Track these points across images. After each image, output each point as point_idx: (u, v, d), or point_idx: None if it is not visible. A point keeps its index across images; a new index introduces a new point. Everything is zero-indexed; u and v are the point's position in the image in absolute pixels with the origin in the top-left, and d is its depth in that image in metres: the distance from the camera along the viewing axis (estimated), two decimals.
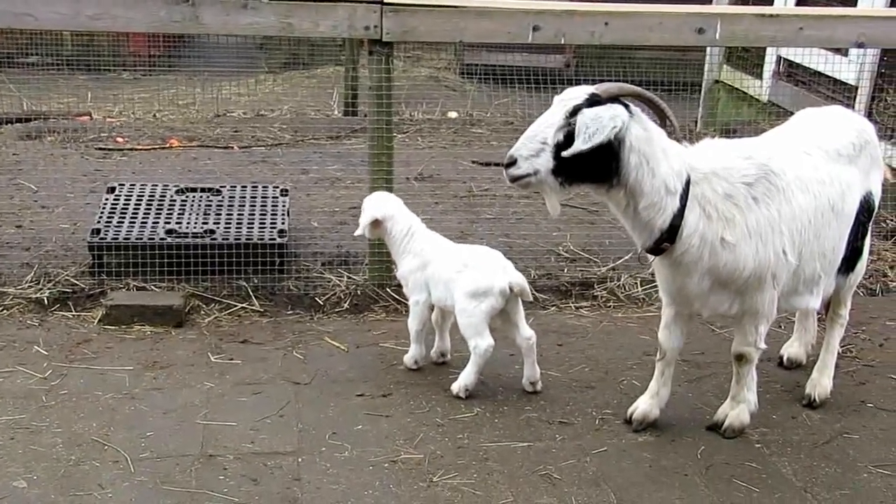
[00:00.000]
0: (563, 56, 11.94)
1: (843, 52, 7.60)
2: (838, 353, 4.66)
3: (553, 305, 5.61)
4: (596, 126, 3.54)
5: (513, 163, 3.75)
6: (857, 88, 7.52)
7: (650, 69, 11.46)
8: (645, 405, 4.25)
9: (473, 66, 11.56)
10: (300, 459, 3.91)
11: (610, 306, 5.63)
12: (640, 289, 5.78)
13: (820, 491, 3.83)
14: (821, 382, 4.55)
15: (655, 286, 5.74)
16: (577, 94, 3.65)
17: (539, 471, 3.89)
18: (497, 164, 7.90)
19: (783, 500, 3.76)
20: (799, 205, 3.94)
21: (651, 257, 4.05)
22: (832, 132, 4.28)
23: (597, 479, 3.85)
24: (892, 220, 6.71)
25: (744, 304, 3.96)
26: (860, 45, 6.33)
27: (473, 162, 8.04)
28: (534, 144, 3.68)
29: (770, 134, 4.40)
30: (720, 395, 4.43)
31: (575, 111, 3.59)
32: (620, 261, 6.04)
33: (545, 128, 3.65)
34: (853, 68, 7.55)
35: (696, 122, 9.77)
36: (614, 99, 3.64)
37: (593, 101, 3.60)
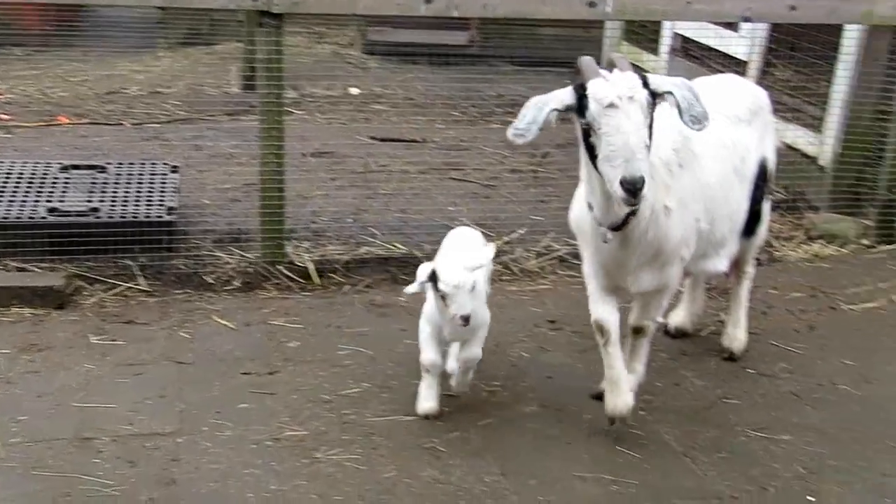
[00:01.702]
0: (467, 33, 11.89)
1: (734, 27, 7.74)
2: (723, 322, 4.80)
3: None
4: (690, 99, 3.47)
5: (642, 185, 3.26)
6: (747, 63, 7.66)
7: (553, 46, 11.60)
8: (620, 398, 3.96)
9: (377, 42, 11.46)
10: (180, 440, 3.83)
11: (504, 280, 5.63)
12: (533, 262, 5.80)
13: (699, 455, 3.91)
14: (737, 336, 4.71)
15: (550, 260, 5.83)
16: (629, 83, 3.30)
17: (424, 444, 3.88)
18: (396, 140, 7.90)
19: (663, 465, 3.83)
20: (711, 169, 4.00)
21: (611, 235, 3.71)
22: (729, 98, 4.35)
23: (481, 451, 3.86)
24: (779, 192, 6.87)
25: (662, 278, 3.93)
26: (747, 20, 6.44)
27: (372, 138, 7.98)
28: (644, 154, 3.30)
29: None
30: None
31: (653, 95, 3.37)
32: (515, 234, 6.05)
33: (639, 132, 3.28)
34: (744, 43, 7.69)
35: None
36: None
37: (645, 82, 3.39)
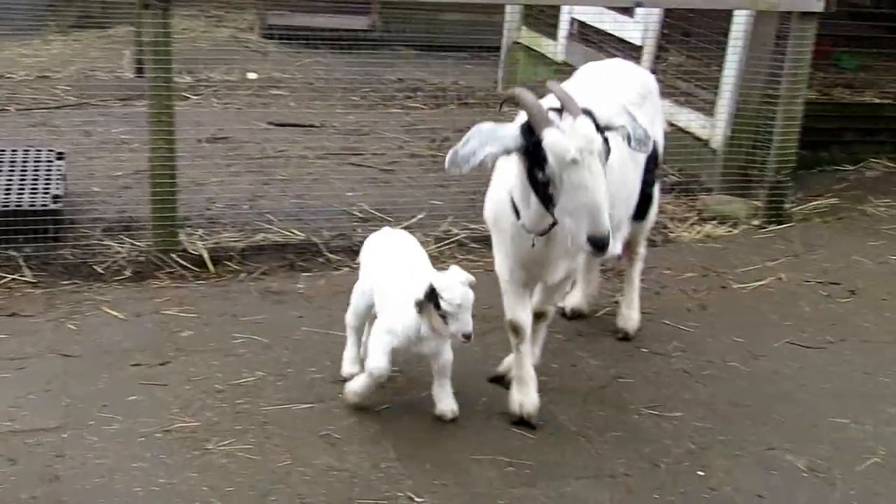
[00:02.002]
0: (368, 17, 11.79)
1: (630, 12, 7.84)
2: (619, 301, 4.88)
3: (346, 266, 5.52)
4: (633, 124, 3.49)
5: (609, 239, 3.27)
6: (642, 48, 7.78)
7: (455, 32, 11.59)
8: (528, 397, 3.99)
9: (276, 27, 11.26)
10: (65, 435, 3.70)
11: None
12: (433, 247, 5.77)
13: (593, 434, 3.95)
14: (631, 316, 4.79)
15: (449, 244, 5.82)
16: (587, 134, 3.23)
17: (319, 431, 3.83)
18: (294, 125, 7.79)
19: (558, 445, 3.86)
20: (613, 155, 4.02)
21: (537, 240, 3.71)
22: (618, 83, 4.39)
23: (378, 436, 3.83)
24: (673, 175, 7.01)
25: (572, 266, 3.97)
26: (639, 5, 6.57)
27: (270, 123, 7.84)
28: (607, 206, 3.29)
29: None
30: (505, 347, 4.47)
31: (605, 139, 3.33)
32: (414, 219, 6.02)
33: (602, 186, 3.25)
34: (638, 28, 7.80)
35: (496, 83, 9.89)
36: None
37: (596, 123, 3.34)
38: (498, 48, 10.05)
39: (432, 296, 3.63)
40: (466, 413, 4.03)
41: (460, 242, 5.85)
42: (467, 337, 3.64)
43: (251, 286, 5.18)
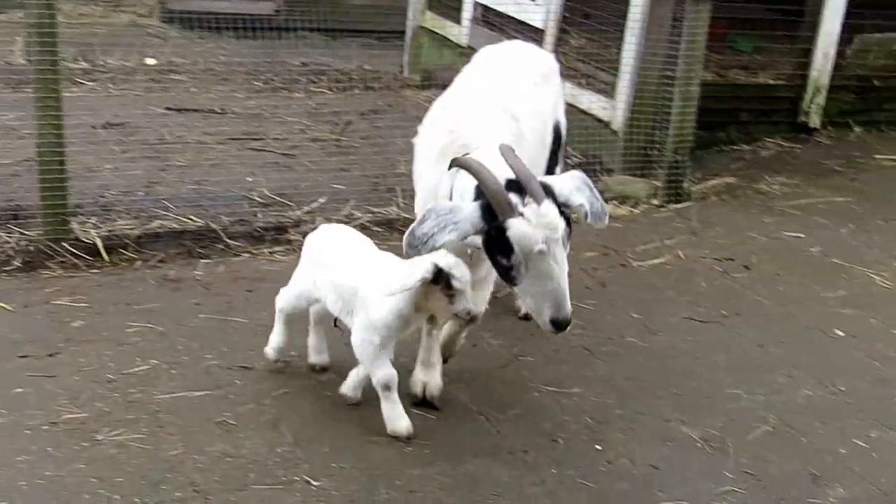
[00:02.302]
0: (273, 2, 11.62)
1: None
2: None
3: (246, 252, 5.44)
4: (591, 198, 3.46)
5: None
6: (544, 31, 7.82)
7: (360, 17, 11.51)
8: (433, 379, 3.96)
9: (177, 11, 11.01)
10: None
11: None
12: None
13: (493, 412, 3.96)
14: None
15: (353, 227, 5.75)
16: (552, 221, 3.20)
17: (214, 418, 3.76)
18: (193, 111, 7.63)
19: (458, 425, 3.86)
20: (530, 142, 4.05)
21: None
22: (522, 65, 4.39)
23: (275, 421, 3.78)
24: (575, 156, 7.07)
25: None
26: None
27: (168, 108, 7.66)
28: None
29: (467, 75, 4.38)
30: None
31: (567, 220, 3.31)
32: (316, 204, 5.96)
33: (566, 272, 3.29)
34: (540, 11, 7.84)
35: (401, 67, 9.84)
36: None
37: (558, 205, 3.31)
38: (403, 32, 10.00)
39: (439, 277, 3.39)
40: (366, 395, 3.99)
41: (363, 226, 5.79)
42: (474, 317, 3.52)
43: (147, 274, 5.05)
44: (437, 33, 9.58)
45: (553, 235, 3.18)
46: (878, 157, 7.76)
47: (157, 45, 10.21)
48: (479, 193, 3.33)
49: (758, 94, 7.97)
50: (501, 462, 3.64)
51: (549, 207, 3.20)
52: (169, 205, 5.72)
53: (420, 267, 3.38)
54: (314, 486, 3.41)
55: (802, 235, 6.14)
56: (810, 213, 6.53)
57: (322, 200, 6.01)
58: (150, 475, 3.39)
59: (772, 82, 8.16)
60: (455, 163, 3.45)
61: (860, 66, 8.41)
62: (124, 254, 5.23)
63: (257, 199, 6.00)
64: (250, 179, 6.25)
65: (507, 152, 3.40)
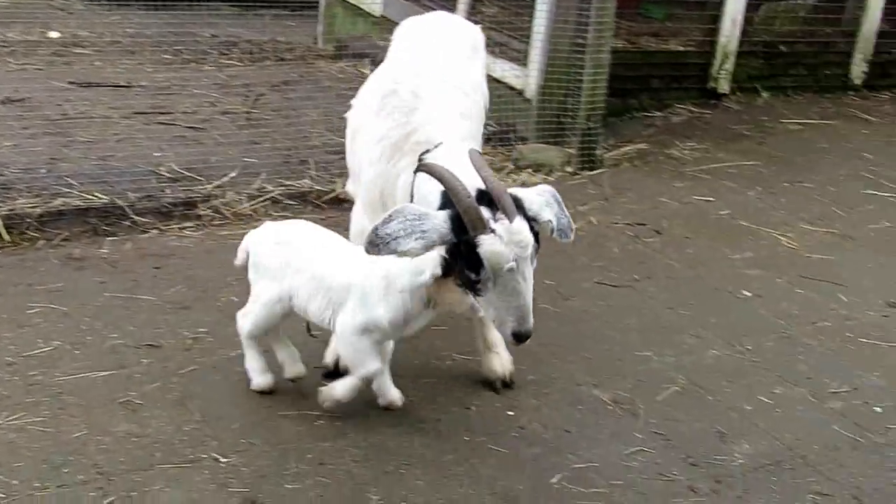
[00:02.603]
0: None
1: None
2: None
3: (154, 228, 5.31)
4: (559, 213, 3.40)
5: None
6: (457, 0, 7.78)
7: None
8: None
9: None
10: None
11: (215, 224, 5.43)
12: (246, 205, 5.63)
13: (406, 383, 3.91)
14: None
15: (263, 202, 5.68)
16: (522, 238, 3.12)
17: (119, 398, 3.67)
18: (98, 85, 7.42)
19: (369, 396, 3.81)
20: (475, 119, 4.01)
21: None
22: (453, 37, 4.28)
23: (182, 399, 3.71)
24: (491, 125, 7.05)
25: None
26: None
27: (72, 83, 7.43)
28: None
29: (400, 48, 4.24)
30: None
31: (536, 236, 3.25)
32: (226, 178, 5.84)
33: (531, 288, 3.23)
34: None
35: (315, 38, 9.70)
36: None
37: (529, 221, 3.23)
38: (316, 2, 9.85)
39: (449, 269, 3.25)
40: (274, 370, 3.94)
41: (275, 199, 5.72)
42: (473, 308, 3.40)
43: (50, 253, 4.90)
44: (350, 3, 9.45)
45: (523, 253, 3.12)
46: (784, 121, 7.93)
47: (60, 17, 9.86)
48: (447, 201, 3.22)
49: (668, 60, 8.06)
50: (414, 431, 3.63)
51: (520, 225, 3.12)
52: (73, 182, 5.54)
53: (429, 262, 3.24)
54: (223, 462, 3.36)
55: (712, 199, 6.25)
56: (719, 177, 6.65)
57: (233, 174, 5.90)
58: (51, 459, 3.30)
59: (682, 49, 8.26)
60: (422, 168, 3.34)
61: (767, 33, 8.57)
62: (26, 233, 5.06)
63: (165, 174, 5.85)
64: (158, 154, 6.10)
65: (477, 159, 3.30)
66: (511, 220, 3.10)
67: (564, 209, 3.37)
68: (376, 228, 3.09)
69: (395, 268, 3.35)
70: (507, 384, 4.00)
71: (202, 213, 5.52)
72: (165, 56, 8.54)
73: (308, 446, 3.50)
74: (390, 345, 3.66)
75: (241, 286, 4.63)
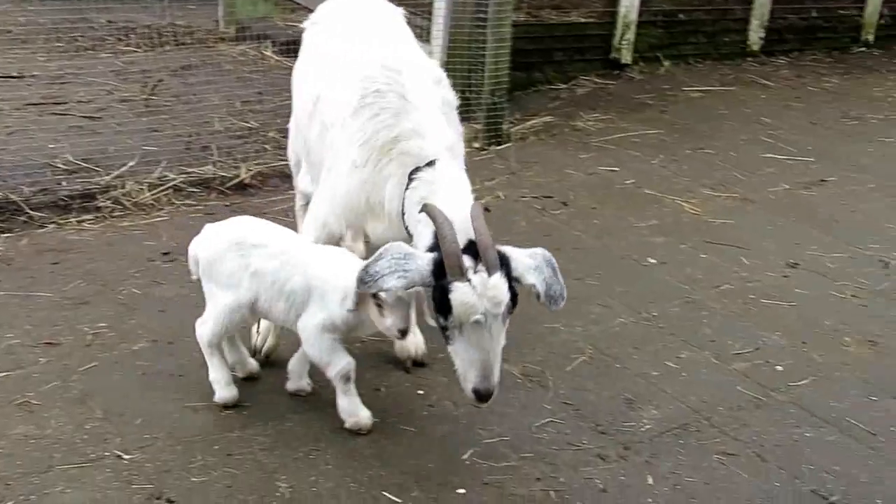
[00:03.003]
0: None
1: None
2: None
3: (51, 223, 5.16)
4: (550, 279, 3.35)
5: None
6: None
7: None
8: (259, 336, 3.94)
9: None
10: None
11: (115, 216, 5.30)
12: (147, 195, 5.50)
13: (312, 369, 3.87)
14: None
15: (164, 190, 5.56)
16: (497, 295, 3.08)
17: (16, 400, 3.56)
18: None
19: (278, 384, 3.78)
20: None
21: None
22: (390, 19, 4.19)
23: (83, 397, 3.62)
24: None
25: None
26: None
27: None
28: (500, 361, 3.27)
29: (342, 36, 4.06)
30: None
31: (514, 295, 3.20)
32: (125, 167, 5.70)
33: (499, 345, 3.21)
34: None
35: (216, 21, 9.50)
36: None
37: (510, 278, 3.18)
38: None
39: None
40: (182, 363, 3.88)
41: (177, 188, 5.61)
42: (403, 333, 3.30)
43: None
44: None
45: (494, 310, 3.09)
46: (685, 89, 8.06)
47: None
48: (437, 243, 3.17)
49: (570, 32, 8.11)
50: (322, 416, 3.60)
51: (498, 281, 3.07)
52: None
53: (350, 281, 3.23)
54: (126, 459, 3.28)
55: (616, 169, 6.32)
56: (624, 146, 6.73)
57: (132, 164, 5.75)
58: None
59: (583, 20, 8.31)
60: (424, 209, 3.25)
61: (666, 2, 8.68)
62: None
63: (61, 166, 5.69)
64: (53, 146, 5.92)
65: (475, 211, 3.22)
66: (490, 274, 3.06)
67: (559, 276, 3.29)
68: (367, 266, 3.09)
69: (342, 268, 3.36)
70: (418, 363, 4.00)
71: (101, 204, 5.38)
72: (59, 44, 8.27)
73: (214, 437, 3.44)
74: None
75: (143, 278, 4.57)
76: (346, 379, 3.47)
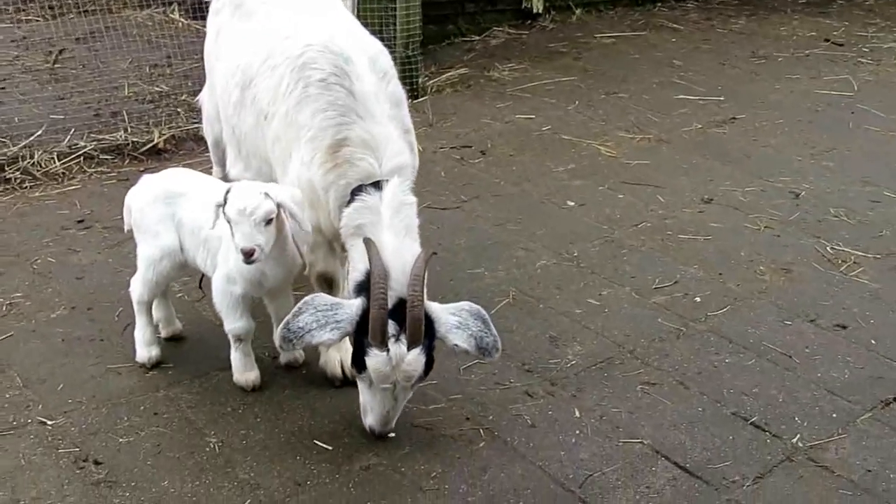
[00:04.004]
0: None
1: None
2: None
3: None
4: (479, 332, 3.21)
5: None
6: None
7: None
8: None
9: None
10: None
11: (26, 187, 5.17)
12: (58, 164, 5.37)
13: None
14: None
15: (75, 159, 5.43)
16: (409, 370, 3.05)
17: None
18: None
19: (203, 340, 3.77)
20: None
21: None
22: None
23: (1, 367, 3.55)
24: None
25: None
26: None
27: None
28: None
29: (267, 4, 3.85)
30: None
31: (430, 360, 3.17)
32: (33, 137, 5.54)
33: (397, 408, 3.20)
34: None
35: None
36: None
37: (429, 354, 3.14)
38: None
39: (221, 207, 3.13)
40: (103, 327, 3.83)
41: (88, 155, 5.49)
42: (246, 254, 3.06)
43: None
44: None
45: (404, 383, 3.08)
46: (598, 35, 8.12)
47: None
48: (364, 285, 3.09)
49: None
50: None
51: (415, 357, 3.03)
52: None
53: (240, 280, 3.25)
54: (49, 425, 3.24)
55: (533, 116, 6.36)
56: (540, 94, 6.76)
57: (39, 133, 5.60)
58: None
59: None
60: (365, 244, 3.10)
61: None
62: None
63: None
64: None
65: (417, 266, 3.06)
66: (409, 349, 3.02)
67: (491, 327, 3.16)
68: (288, 323, 2.99)
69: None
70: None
71: (10, 176, 5.24)
72: None
73: (140, 398, 3.41)
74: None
75: (58, 247, 4.50)
76: (238, 339, 3.43)
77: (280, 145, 3.43)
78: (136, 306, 3.54)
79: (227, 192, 3.11)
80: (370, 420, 3.20)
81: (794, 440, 3.34)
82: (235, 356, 3.47)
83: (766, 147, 5.96)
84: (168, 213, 3.41)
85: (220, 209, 3.12)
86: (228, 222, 3.11)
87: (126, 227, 3.55)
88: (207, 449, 3.18)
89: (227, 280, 3.33)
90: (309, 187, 3.31)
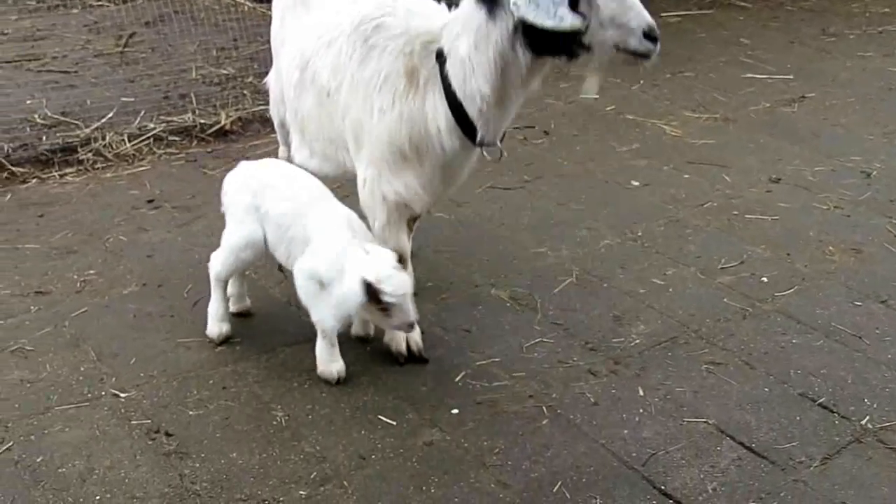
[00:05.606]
0: None
1: None
2: None
3: (34, 177, 5.17)
4: None
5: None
6: None
7: None
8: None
9: None
10: None
11: (98, 168, 5.30)
12: (128, 145, 5.49)
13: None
14: None
15: (145, 140, 5.54)
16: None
17: (9, 347, 3.60)
18: None
19: (270, 317, 3.83)
20: None
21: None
22: None
23: (76, 341, 3.65)
24: None
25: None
26: None
27: None
28: None
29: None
30: (210, 234, 4.34)
31: None
32: (104, 119, 5.68)
33: None
34: None
35: None
36: None
37: None
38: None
39: (370, 291, 3.16)
40: (174, 303, 3.91)
41: (157, 137, 5.60)
42: (412, 326, 3.28)
43: None
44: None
45: None
46: (664, 14, 7.99)
47: None
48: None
49: None
50: (314, 349, 3.63)
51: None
52: None
53: (351, 289, 3.17)
54: (122, 397, 3.33)
55: (597, 96, 6.30)
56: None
57: (110, 115, 5.73)
58: None
59: None
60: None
61: None
62: None
63: (40, 121, 5.67)
64: (30, 101, 5.90)
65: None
66: None
67: None
68: None
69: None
70: (416, 358, 3.67)
71: (83, 157, 5.37)
72: (29, 2, 8.18)
73: (209, 373, 3.48)
74: None
75: (129, 226, 4.60)
76: (324, 331, 3.44)
77: (350, 115, 3.44)
78: (212, 282, 3.61)
79: (367, 284, 3.13)
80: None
81: (864, 422, 3.28)
82: (320, 346, 3.46)
83: (837, 126, 5.84)
84: (254, 203, 3.46)
85: (368, 286, 3.14)
86: (383, 308, 3.19)
87: (222, 209, 3.61)
88: (274, 422, 3.23)
89: (310, 276, 3.33)
90: (396, 131, 3.29)
